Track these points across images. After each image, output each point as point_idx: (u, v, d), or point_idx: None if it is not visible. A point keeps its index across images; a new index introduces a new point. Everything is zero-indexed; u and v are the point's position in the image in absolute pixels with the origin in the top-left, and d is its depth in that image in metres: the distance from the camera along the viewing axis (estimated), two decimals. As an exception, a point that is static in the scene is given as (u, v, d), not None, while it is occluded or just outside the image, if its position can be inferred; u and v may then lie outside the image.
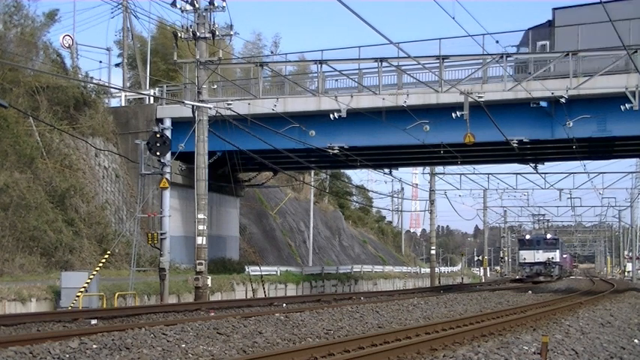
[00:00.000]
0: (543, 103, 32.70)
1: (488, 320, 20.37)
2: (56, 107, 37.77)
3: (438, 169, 56.92)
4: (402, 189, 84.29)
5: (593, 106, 32.54)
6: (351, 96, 32.04)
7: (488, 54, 29.86)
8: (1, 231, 30.48)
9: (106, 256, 28.75)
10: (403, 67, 32.63)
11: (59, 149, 37.04)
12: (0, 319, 18.72)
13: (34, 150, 34.79)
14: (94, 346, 13.58)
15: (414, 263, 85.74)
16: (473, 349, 13.27)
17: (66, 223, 34.03)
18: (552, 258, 68.37)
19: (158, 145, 27.36)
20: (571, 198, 65.15)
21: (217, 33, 28.37)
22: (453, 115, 29.08)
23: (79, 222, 35.03)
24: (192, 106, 28.71)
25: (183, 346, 14.14)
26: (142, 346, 13.86)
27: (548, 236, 71.44)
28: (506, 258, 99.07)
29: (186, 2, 27.83)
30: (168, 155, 28.09)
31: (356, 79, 33.81)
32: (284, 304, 28.16)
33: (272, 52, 61.15)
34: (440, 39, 32.50)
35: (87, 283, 24.13)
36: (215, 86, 35.86)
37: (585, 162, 45.78)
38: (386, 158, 43.54)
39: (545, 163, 44.34)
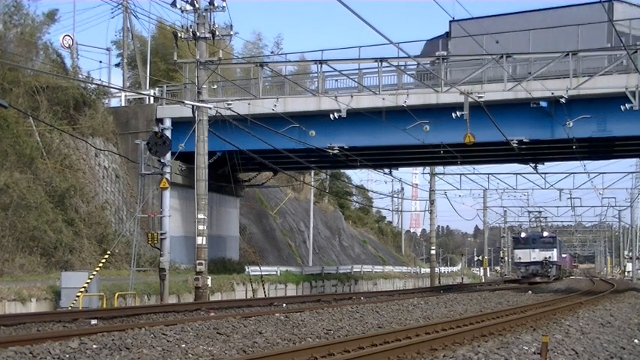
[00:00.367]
0: (543, 103, 32.68)
1: (488, 320, 20.37)
2: (56, 107, 37.76)
3: (438, 169, 56.86)
4: (402, 189, 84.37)
5: (593, 106, 32.54)
6: (351, 96, 32.06)
7: (489, 54, 29.86)
8: (1, 231, 30.47)
9: (106, 256, 28.75)
10: (403, 67, 32.66)
11: (59, 149, 37.03)
12: (0, 319, 18.71)
13: (34, 150, 34.79)
14: (94, 346, 13.58)
15: (414, 263, 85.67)
16: (473, 349, 13.27)
17: (66, 223, 34.03)
18: (549, 257, 63.22)
19: (158, 145, 27.35)
20: (571, 198, 64.90)
21: (217, 33, 28.35)
22: (453, 115, 29.09)
23: (79, 222, 35.02)
24: (192, 106, 28.70)
25: (183, 346, 14.14)
26: (142, 346, 13.86)
27: (545, 234, 66.59)
28: (506, 258, 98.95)
29: (186, 2, 27.82)
30: (168, 155, 28.09)
31: (356, 79, 33.80)
32: (284, 304, 28.15)
33: (273, 52, 61.15)
34: (440, 39, 32.55)
35: (87, 283, 24.13)
36: (215, 86, 35.87)
37: (585, 162, 45.80)
38: (386, 158, 43.52)
39: (545, 163, 44.33)
